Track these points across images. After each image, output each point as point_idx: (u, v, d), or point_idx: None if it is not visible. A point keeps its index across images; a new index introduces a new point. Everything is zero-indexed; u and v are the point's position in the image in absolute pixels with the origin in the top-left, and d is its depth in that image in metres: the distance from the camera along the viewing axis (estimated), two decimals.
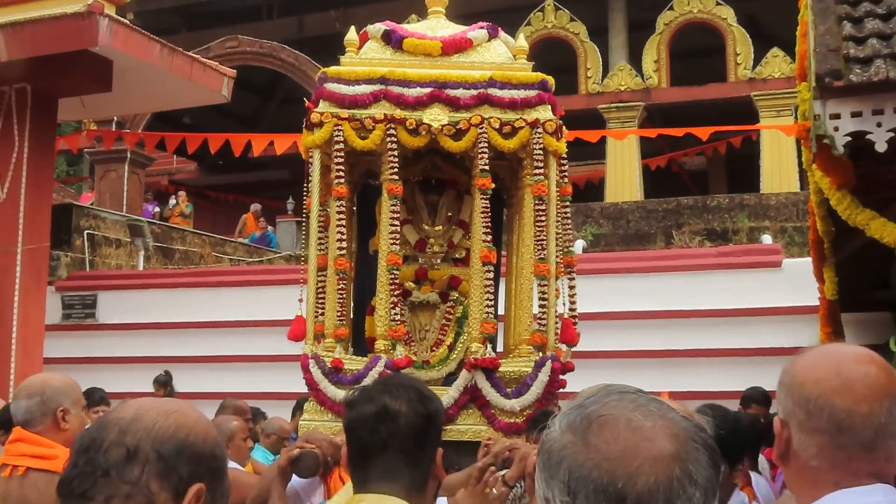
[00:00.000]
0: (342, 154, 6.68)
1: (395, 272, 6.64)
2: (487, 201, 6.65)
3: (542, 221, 6.66)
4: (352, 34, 7.12)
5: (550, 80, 6.84)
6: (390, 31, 7.03)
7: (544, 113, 6.72)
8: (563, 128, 6.81)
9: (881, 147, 5.00)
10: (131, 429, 1.79)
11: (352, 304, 7.21)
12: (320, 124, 6.73)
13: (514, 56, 7.05)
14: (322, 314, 6.83)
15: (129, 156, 21.58)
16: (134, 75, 13.13)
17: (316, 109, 6.77)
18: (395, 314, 6.58)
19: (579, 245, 15.42)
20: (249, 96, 26.49)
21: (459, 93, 6.75)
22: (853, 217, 5.64)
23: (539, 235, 6.66)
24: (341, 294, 6.62)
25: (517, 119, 6.68)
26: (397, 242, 6.67)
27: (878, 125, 5.03)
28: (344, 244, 6.67)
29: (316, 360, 6.57)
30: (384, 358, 6.51)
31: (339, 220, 6.69)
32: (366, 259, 7.29)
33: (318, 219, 6.82)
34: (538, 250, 6.65)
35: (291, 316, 14.80)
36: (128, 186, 21.66)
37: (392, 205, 6.66)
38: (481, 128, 6.64)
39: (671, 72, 21.84)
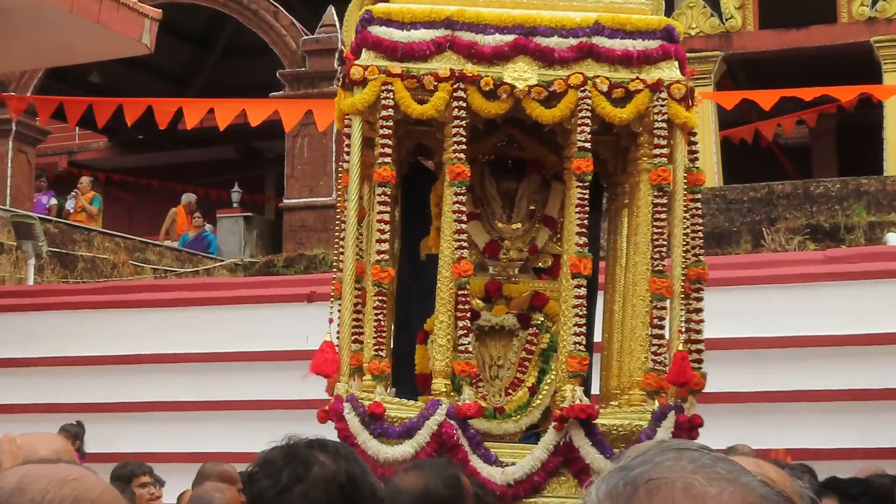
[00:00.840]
0: (391, 123, 6.66)
1: (465, 286, 6.56)
2: (586, 191, 6.62)
3: (663, 220, 6.65)
4: None
5: (678, 25, 6.77)
6: None
7: (670, 71, 6.71)
8: (696, 93, 6.69)
9: None
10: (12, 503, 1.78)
11: (392, 329, 7.22)
12: (363, 82, 6.68)
13: None
14: (359, 342, 6.77)
15: (13, 128, 21.31)
16: (19, 18, 12.80)
17: (357, 62, 6.74)
18: (465, 344, 6.49)
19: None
20: (179, 46, 26.34)
21: (553, 42, 6.73)
22: None
23: (658, 240, 6.64)
24: (379, 314, 6.57)
25: (633, 79, 6.65)
26: (465, 245, 6.62)
27: None
28: (386, 246, 6.65)
29: (354, 403, 6.50)
30: (445, 403, 6.47)
31: (382, 213, 6.65)
32: (414, 267, 7.31)
33: (356, 211, 6.77)
34: (656, 259, 6.64)
35: (239, 347, 14.55)
36: (12, 170, 21.45)
37: (457, 193, 6.62)
38: (583, 90, 6.60)
39: (759, 10, 21.65)
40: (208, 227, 22.41)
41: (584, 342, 6.55)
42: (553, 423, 6.45)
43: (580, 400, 6.41)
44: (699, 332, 6.78)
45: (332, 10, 21.37)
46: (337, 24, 21.10)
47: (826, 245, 16.44)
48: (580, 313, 6.53)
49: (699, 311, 6.79)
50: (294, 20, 21.85)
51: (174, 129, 20.37)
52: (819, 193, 18.14)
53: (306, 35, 21.53)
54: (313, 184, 21.11)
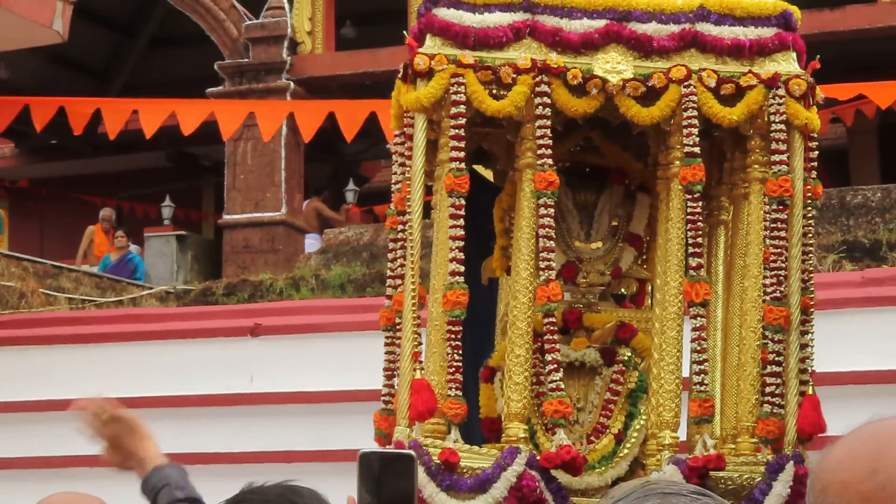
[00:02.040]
0: (463, 122, 6.71)
1: (553, 313, 6.62)
2: (698, 204, 6.71)
3: (783, 238, 6.73)
4: None
5: (796, 11, 6.86)
6: None
7: (787, 64, 6.82)
8: (818, 90, 6.83)
9: None
10: None
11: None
12: (429, 73, 6.75)
13: None
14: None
15: None
16: None
17: (421, 50, 6.82)
18: (557, 381, 6.57)
19: None
20: (101, 35, 26.21)
21: (651, 29, 6.83)
22: None
23: (777, 261, 6.72)
24: (457, 349, 6.61)
25: (744, 73, 6.75)
26: (552, 265, 6.68)
27: None
28: (461, 267, 6.67)
29: (418, 451, 6.45)
30: (525, 451, 6.52)
31: (455, 227, 6.68)
32: (474, 294, 7.15)
33: (420, 226, 6.86)
34: (773, 285, 6.72)
35: (171, 390, 14.50)
36: None
37: (542, 206, 6.69)
38: (687, 86, 6.69)
39: None
40: (134, 248, 22.19)
41: (706, 382, 6.67)
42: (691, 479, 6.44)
43: (710, 449, 6.49)
44: (805, 371, 6.88)
45: None
46: (286, 6, 21.01)
47: (865, 265, 16.57)
48: (699, 348, 6.65)
49: (806, 346, 6.89)
50: (235, 2, 21.63)
51: (94, 132, 20.23)
52: (857, 204, 18.12)
53: (250, 20, 21.36)
54: (259, 197, 20.97)
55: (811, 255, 7.05)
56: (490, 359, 7.04)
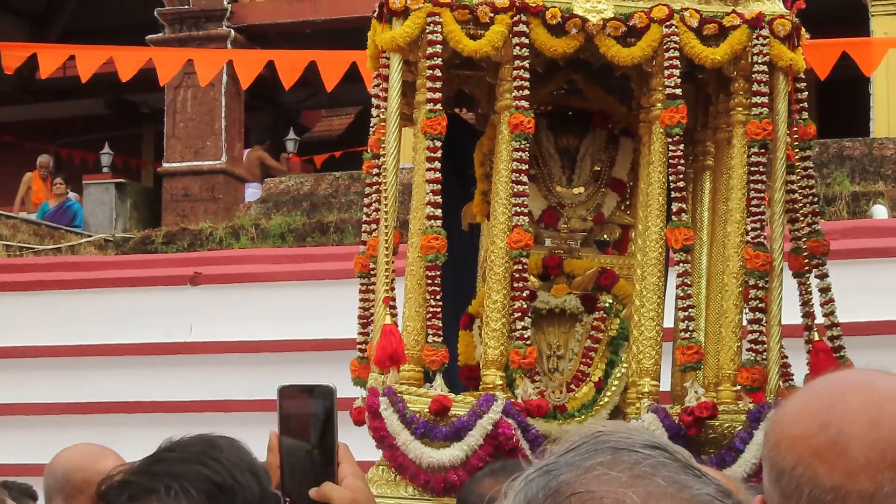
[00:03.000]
0: (440, 62, 6.54)
1: (523, 259, 6.49)
2: (679, 147, 6.53)
3: (762, 181, 6.60)
4: None
5: None
6: None
7: (771, 4, 6.68)
8: (803, 31, 6.71)
9: None
10: None
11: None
12: (404, 12, 6.60)
13: None
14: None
15: None
16: None
17: None
18: (522, 329, 6.43)
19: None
20: None
21: None
22: None
23: (758, 205, 6.58)
24: (435, 294, 6.48)
25: (728, 13, 6.61)
26: (525, 210, 6.54)
27: None
28: (439, 211, 6.54)
29: (392, 398, 6.40)
30: (501, 398, 6.38)
31: (432, 171, 6.54)
32: (453, 240, 7.04)
33: (395, 169, 6.71)
34: (755, 230, 6.57)
35: (110, 338, 14.34)
36: None
37: (518, 149, 6.54)
38: (669, 26, 6.53)
39: None
40: (73, 195, 21.92)
41: (694, 329, 6.52)
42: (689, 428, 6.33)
43: (701, 397, 6.35)
44: (832, 314, 6.74)
45: None
46: None
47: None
48: (683, 294, 6.49)
49: (826, 290, 6.74)
50: None
51: (31, 78, 19.87)
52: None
53: None
54: (199, 145, 20.72)
55: (816, 196, 6.96)
56: (471, 306, 6.90)
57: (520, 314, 6.44)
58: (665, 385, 7.03)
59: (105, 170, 22.84)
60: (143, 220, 21.26)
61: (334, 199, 18.75)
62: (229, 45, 20.31)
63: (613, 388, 6.83)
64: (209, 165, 20.64)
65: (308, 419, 2.61)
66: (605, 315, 6.93)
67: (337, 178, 19.42)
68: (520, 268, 6.47)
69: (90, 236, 19.95)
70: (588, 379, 6.85)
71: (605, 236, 7.17)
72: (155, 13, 20.88)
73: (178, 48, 20.02)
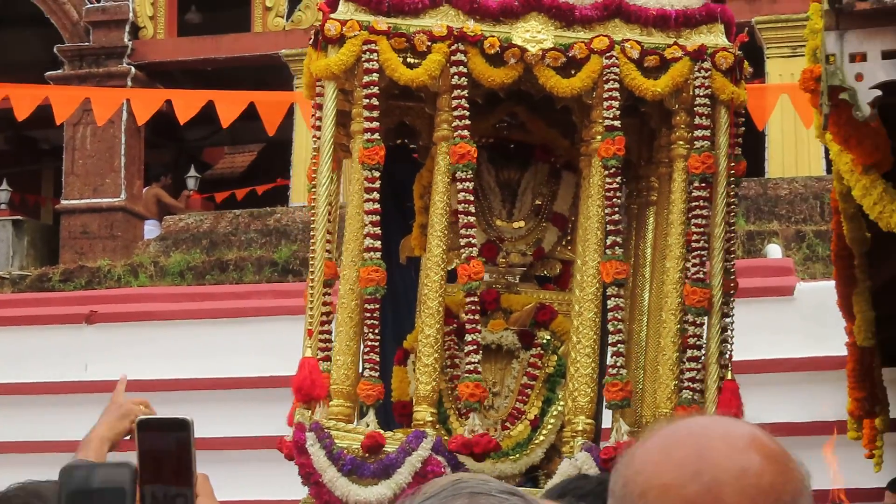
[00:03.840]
0: (377, 91, 6.45)
1: (474, 294, 6.36)
2: (615, 179, 6.46)
3: (705, 217, 6.48)
4: None
5: None
6: None
7: (714, 37, 6.59)
8: (746, 64, 6.65)
9: None
10: None
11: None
12: (340, 40, 6.49)
13: None
14: (328, 358, 6.60)
15: None
16: None
17: (333, 15, 6.56)
18: (475, 363, 6.32)
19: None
20: None
21: None
22: (885, 216, 5.73)
23: (699, 241, 6.46)
24: (374, 328, 6.37)
25: (669, 45, 6.51)
26: (474, 241, 6.44)
27: None
28: (378, 243, 6.44)
29: (319, 434, 6.30)
30: (432, 435, 6.28)
31: (370, 201, 6.44)
32: (391, 273, 6.93)
33: (328, 201, 6.59)
34: (695, 266, 6.45)
35: (5, 377, 14.01)
36: None
37: (462, 179, 6.42)
38: (609, 57, 6.44)
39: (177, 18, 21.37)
40: None
41: (624, 365, 6.41)
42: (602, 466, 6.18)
43: (626, 436, 6.24)
44: (728, 354, 6.66)
45: None
46: None
47: None
48: (614, 329, 6.40)
49: (726, 329, 6.64)
50: None
51: None
52: None
53: (91, 3, 20.54)
54: (98, 182, 20.30)
55: (735, 235, 6.92)
56: (406, 341, 6.83)
57: (473, 347, 6.35)
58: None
59: (2, 206, 22.32)
60: (40, 258, 20.76)
61: (234, 237, 18.50)
62: (130, 83, 20.00)
63: (549, 427, 6.71)
64: (108, 203, 20.24)
65: (165, 453, 2.41)
66: (542, 352, 6.84)
67: (237, 216, 19.15)
68: (472, 300, 6.37)
69: None
70: (524, 417, 6.75)
71: (546, 272, 7.09)
72: (55, 50, 20.45)
73: (76, 86, 19.67)
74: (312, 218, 6.68)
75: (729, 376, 6.63)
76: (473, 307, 6.36)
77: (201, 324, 13.56)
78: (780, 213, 17.36)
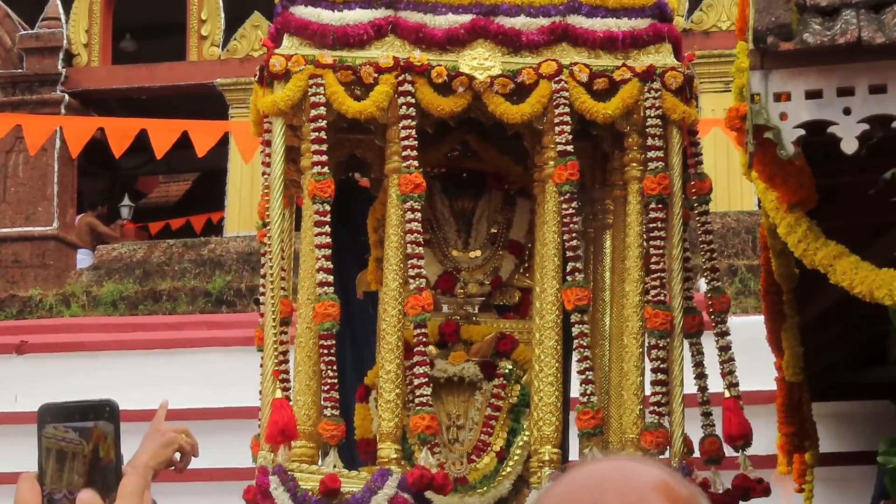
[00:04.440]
0: (324, 125, 6.35)
1: (424, 326, 6.24)
2: (571, 205, 6.36)
3: (661, 238, 6.40)
4: None
5: (671, 0, 6.54)
6: None
7: (663, 57, 6.52)
8: (695, 82, 6.57)
9: (850, 146, 5.03)
10: None
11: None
12: (286, 75, 6.40)
13: None
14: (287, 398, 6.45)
15: None
16: None
17: (278, 50, 6.46)
18: (426, 395, 6.18)
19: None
20: None
21: (520, 23, 6.49)
22: (810, 253, 5.70)
23: (657, 262, 6.38)
24: (331, 365, 6.22)
25: (618, 67, 6.43)
26: (423, 273, 6.30)
27: (846, 112, 5.07)
28: (331, 277, 6.33)
29: (282, 477, 6.17)
30: (397, 473, 6.14)
31: (321, 235, 6.31)
32: (347, 308, 6.91)
33: (280, 238, 6.48)
34: (655, 288, 6.36)
35: None
36: None
37: (410, 210, 6.32)
38: (558, 81, 6.36)
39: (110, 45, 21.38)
40: None
41: (594, 393, 6.31)
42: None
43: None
44: (732, 373, 6.59)
45: (56, 0, 20.35)
46: (62, 17, 20.31)
47: None
48: (581, 356, 6.27)
49: (728, 348, 6.56)
50: (10, 11, 20.70)
51: None
52: None
53: (24, 30, 20.42)
54: (30, 210, 20.09)
55: (715, 251, 6.80)
56: (367, 377, 6.72)
57: (424, 380, 6.19)
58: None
59: None
60: None
61: (168, 267, 18.40)
62: (63, 111, 19.81)
63: (516, 458, 6.62)
64: (40, 231, 20.02)
65: (78, 447, 2.01)
66: (505, 382, 6.73)
67: (171, 246, 19.06)
68: (422, 332, 6.22)
69: None
70: (489, 449, 6.65)
71: (505, 301, 7.01)
72: None
73: (8, 112, 19.42)
74: (265, 256, 6.54)
75: (727, 394, 6.57)
76: (423, 339, 6.21)
77: (134, 354, 13.40)
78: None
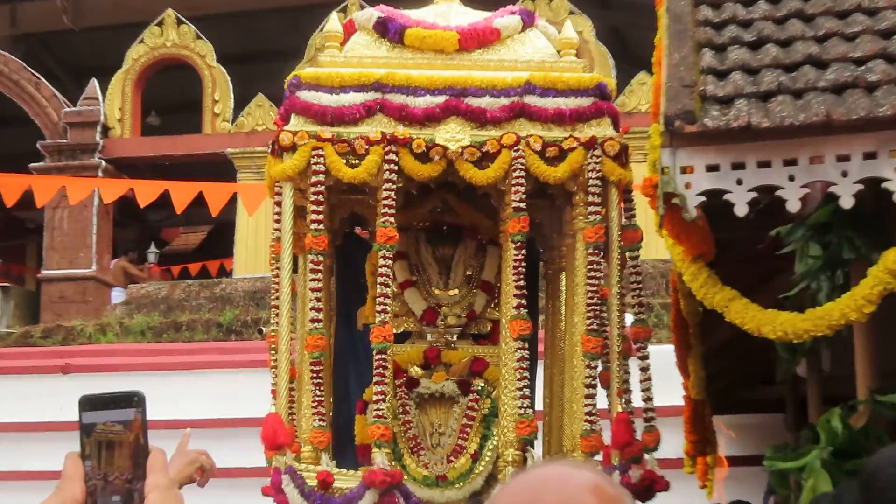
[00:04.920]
0: (323, 189, 6.33)
1: (383, 355, 6.14)
2: (522, 252, 6.35)
3: (597, 277, 6.37)
4: (333, 23, 6.81)
5: (610, 83, 6.53)
6: (386, 20, 6.71)
7: (603, 129, 6.48)
8: (628, 150, 6.50)
9: (741, 210, 5.10)
10: None
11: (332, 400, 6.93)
12: (293, 148, 6.34)
13: (560, 51, 6.77)
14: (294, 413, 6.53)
15: None
16: None
17: (286, 127, 6.40)
18: (377, 410, 6.13)
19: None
20: None
21: (485, 102, 6.44)
22: (709, 297, 5.78)
23: (592, 298, 6.34)
24: (319, 385, 6.24)
25: (566, 137, 6.40)
26: (387, 309, 6.23)
27: (739, 182, 5.10)
28: (321, 315, 6.32)
29: (293, 476, 6.14)
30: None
31: (316, 281, 6.30)
32: (351, 337, 6.99)
33: (289, 281, 6.42)
34: (590, 318, 6.33)
35: None
36: None
37: (385, 257, 6.26)
38: (517, 150, 6.34)
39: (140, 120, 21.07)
40: None
41: (530, 405, 6.30)
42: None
43: (535, 461, 6.16)
44: (648, 389, 6.55)
45: (94, 83, 20.32)
46: (100, 96, 20.24)
47: None
48: (522, 376, 6.25)
49: (646, 369, 6.56)
50: (56, 92, 20.65)
51: None
52: None
53: (68, 107, 20.32)
54: (73, 255, 19.97)
55: (640, 291, 6.68)
56: (365, 393, 6.62)
57: (381, 397, 6.12)
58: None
59: None
60: (24, 318, 20.40)
61: (187, 303, 18.38)
62: (100, 174, 19.74)
63: (487, 458, 6.55)
64: (81, 273, 19.89)
65: (117, 432, 2.03)
66: (478, 396, 6.68)
67: (189, 286, 19.08)
68: (382, 358, 6.15)
69: None
70: (465, 451, 6.59)
71: (478, 330, 6.93)
72: (38, 145, 20.12)
73: (55, 175, 19.38)
74: (275, 299, 6.44)
75: (621, 409, 6.44)
76: (383, 363, 6.12)
77: (159, 375, 13.52)
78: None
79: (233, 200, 18.16)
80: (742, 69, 5.41)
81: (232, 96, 19.80)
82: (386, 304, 6.18)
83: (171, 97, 21.71)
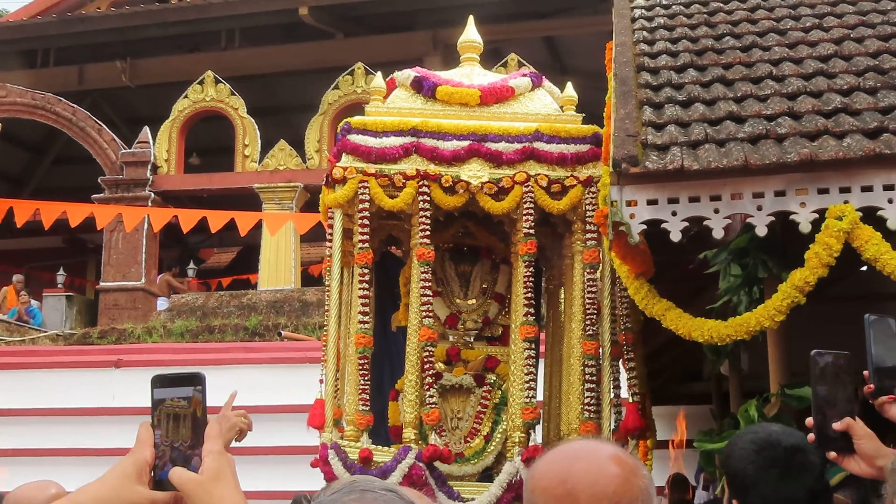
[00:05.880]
0: (367, 214, 6.24)
1: (430, 349, 6.14)
2: (531, 269, 6.33)
3: (594, 292, 6.28)
4: (378, 81, 6.75)
5: (604, 132, 6.32)
6: (422, 79, 6.65)
7: (598, 170, 6.36)
8: None
9: (676, 237, 5.01)
10: None
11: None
12: (343, 180, 6.27)
13: (562, 107, 6.73)
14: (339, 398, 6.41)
15: None
16: None
17: (338, 164, 6.32)
18: (430, 397, 6.08)
19: None
20: (17, 153, 24.56)
21: (502, 147, 6.35)
22: (650, 307, 5.64)
23: (590, 309, 6.26)
24: (364, 376, 6.14)
25: (567, 176, 6.32)
26: (431, 315, 6.21)
27: (674, 214, 5.03)
28: (367, 318, 6.25)
29: (337, 450, 6.04)
30: (415, 449, 6.01)
31: (363, 290, 6.22)
32: (385, 337, 6.89)
33: (339, 290, 6.35)
34: (587, 326, 6.26)
35: (57, 403, 13.59)
36: None
37: (423, 272, 6.23)
38: (527, 186, 6.26)
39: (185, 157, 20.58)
40: (35, 303, 20.82)
41: (534, 396, 6.25)
42: (523, 463, 6.01)
43: (532, 444, 6.11)
44: (637, 385, 6.39)
45: (146, 130, 20.28)
46: (150, 141, 20.17)
47: None
48: (528, 371, 6.19)
49: (633, 368, 6.43)
50: (115, 136, 20.55)
51: (10, 221, 19.21)
52: None
53: (124, 149, 20.23)
54: (126, 270, 19.85)
55: (626, 303, 6.47)
56: (397, 384, 6.60)
57: (429, 387, 6.08)
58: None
59: (59, 286, 21.76)
60: (84, 322, 20.37)
61: (219, 310, 18.28)
62: (150, 203, 19.62)
63: (497, 440, 6.46)
64: (132, 285, 19.78)
65: (181, 407, 2.00)
66: (490, 388, 6.60)
67: (222, 296, 19.00)
68: (429, 354, 6.12)
69: (46, 332, 19.09)
70: (479, 433, 6.51)
71: (491, 333, 6.85)
72: (99, 180, 19.97)
73: (112, 205, 19.31)
74: (327, 305, 6.36)
75: (631, 400, 6.32)
76: (431, 358, 6.10)
77: (195, 369, 13.21)
78: None
79: (258, 226, 18.26)
80: (676, 123, 5.40)
81: (259, 141, 19.70)
82: (429, 311, 6.13)
83: (209, 142, 21.66)
